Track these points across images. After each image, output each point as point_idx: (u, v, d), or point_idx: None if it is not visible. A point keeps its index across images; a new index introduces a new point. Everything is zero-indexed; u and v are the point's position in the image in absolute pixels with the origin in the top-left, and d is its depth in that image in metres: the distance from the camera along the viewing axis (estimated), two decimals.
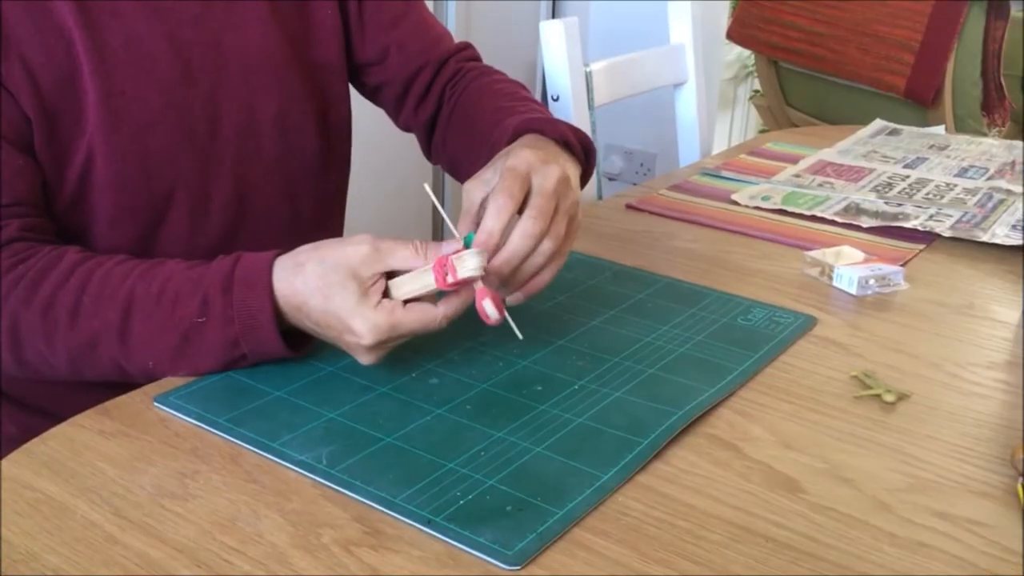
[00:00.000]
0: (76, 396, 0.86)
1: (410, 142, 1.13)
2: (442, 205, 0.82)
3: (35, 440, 0.67)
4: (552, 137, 0.85)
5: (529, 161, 0.76)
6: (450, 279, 0.70)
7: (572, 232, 0.79)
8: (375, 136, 1.32)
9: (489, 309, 0.70)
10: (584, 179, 0.90)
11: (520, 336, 0.75)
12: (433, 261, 0.71)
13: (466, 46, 1.10)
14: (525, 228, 0.74)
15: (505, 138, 0.87)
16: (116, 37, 0.81)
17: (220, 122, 0.88)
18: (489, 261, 0.72)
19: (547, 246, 0.75)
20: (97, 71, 0.80)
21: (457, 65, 1.07)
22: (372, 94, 1.09)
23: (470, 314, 0.76)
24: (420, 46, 1.05)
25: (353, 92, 1.05)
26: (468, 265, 0.70)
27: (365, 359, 0.73)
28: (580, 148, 0.88)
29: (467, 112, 1.02)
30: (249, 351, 0.74)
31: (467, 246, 0.73)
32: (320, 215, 1.02)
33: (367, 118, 1.14)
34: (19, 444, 0.88)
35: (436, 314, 0.72)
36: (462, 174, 1.03)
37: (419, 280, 0.72)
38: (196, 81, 0.86)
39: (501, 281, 0.75)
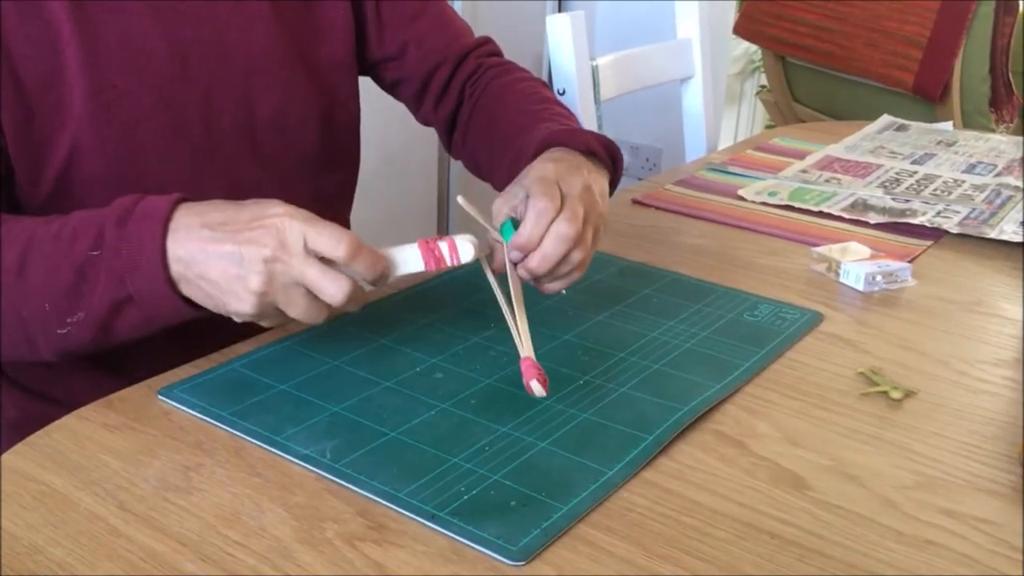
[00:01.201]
0: (76, 380, 0.86)
1: (414, 142, 1.13)
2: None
3: (39, 432, 0.67)
4: (577, 148, 0.85)
5: (555, 172, 0.77)
6: (450, 263, 0.72)
7: (595, 242, 0.79)
8: (380, 135, 1.32)
9: (536, 388, 0.68)
10: (612, 186, 0.90)
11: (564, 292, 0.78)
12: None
13: (486, 41, 1.09)
14: (559, 231, 0.73)
15: (530, 151, 0.87)
16: (111, 33, 0.80)
17: (216, 119, 0.87)
18: (523, 261, 0.74)
19: (577, 256, 0.75)
20: (87, 65, 0.79)
21: (477, 61, 1.06)
22: (391, 89, 1.09)
23: (474, 311, 0.76)
24: (439, 42, 1.04)
25: (360, 91, 1.05)
26: (465, 251, 0.71)
27: (258, 257, 0.66)
28: (606, 155, 0.88)
29: (488, 112, 1.01)
30: (135, 291, 0.69)
31: (505, 233, 0.74)
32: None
33: (371, 117, 1.14)
34: (19, 428, 0.88)
35: (352, 286, 0.68)
36: (483, 173, 1.04)
37: (400, 255, 0.72)
38: (193, 78, 0.85)
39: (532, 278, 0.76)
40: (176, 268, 0.68)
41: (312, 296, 0.68)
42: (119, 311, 0.70)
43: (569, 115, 0.98)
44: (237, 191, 0.90)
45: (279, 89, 0.91)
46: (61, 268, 0.69)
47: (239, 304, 0.68)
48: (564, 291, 0.81)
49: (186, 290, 0.69)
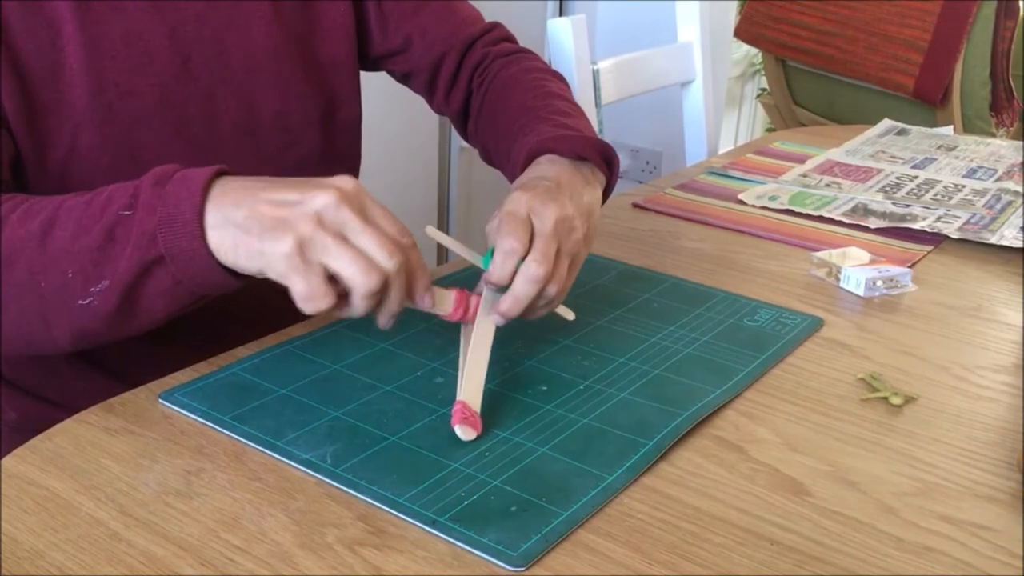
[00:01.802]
0: (76, 383, 0.86)
1: (415, 141, 1.14)
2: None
3: (40, 436, 0.67)
4: (566, 155, 0.84)
5: (528, 204, 0.75)
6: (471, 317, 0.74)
7: (573, 271, 0.77)
8: (380, 135, 1.32)
9: (460, 432, 0.67)
10: (608, 190, 0.89)
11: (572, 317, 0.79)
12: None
13: (494, 26, 1.08)
14: (528, 273, 0.72)
15: (520, 161, 0.86)
16: (114, 32, 0.81)
17: (218, 119, 0.88)
18: (495, 305, 0.74)
19: (552, 291, 0.74)
20: (90, 65, 0.79)
21: (484, 50, 1.05)
22: (403, 82, 1.10)
23: None
24: (443, 32, 1.04)
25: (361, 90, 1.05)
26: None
27: (320, 203, 0.63)
28: (600, 160, 0.86)
29: (493, 106, 1.01)
30: (167, 250, 0.65)
31: (487, 262, 0.74)
32: None
33: (371, 117, 1.14)
34: (18, 430, 0.88)
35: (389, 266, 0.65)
36: (494, 164, 1.03)
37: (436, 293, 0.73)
38: (194, 78, 0.86)
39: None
40: (213, 216, 0.65)
41: (362, 256, 0.63)
42: (148, 273, 0.66)
43: (571, 111, 0.95)
44: None
45: (280, 88, 0.92)
46: (90, 231, 0.66)
47: (277, 243, 0.62)
48: (571, 317, 0.80)
49: (217, 237, 0.65)
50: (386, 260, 0.64)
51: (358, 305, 0.65)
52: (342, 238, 0.63)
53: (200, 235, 0.65)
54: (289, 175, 0.94)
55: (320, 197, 0.63)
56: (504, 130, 0.97)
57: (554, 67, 1.35)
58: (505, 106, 0.99)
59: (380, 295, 0.65)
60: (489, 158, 1.05)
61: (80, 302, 0.67)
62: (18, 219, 0.69)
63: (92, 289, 0.67)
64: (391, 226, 0.66)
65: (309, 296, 0.63)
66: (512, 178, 0.86)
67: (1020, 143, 1.53)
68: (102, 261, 0.66)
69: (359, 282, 0.63)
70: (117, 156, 0.82)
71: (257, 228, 0.64)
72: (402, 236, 0.66)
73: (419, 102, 1.13)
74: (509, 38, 1.10)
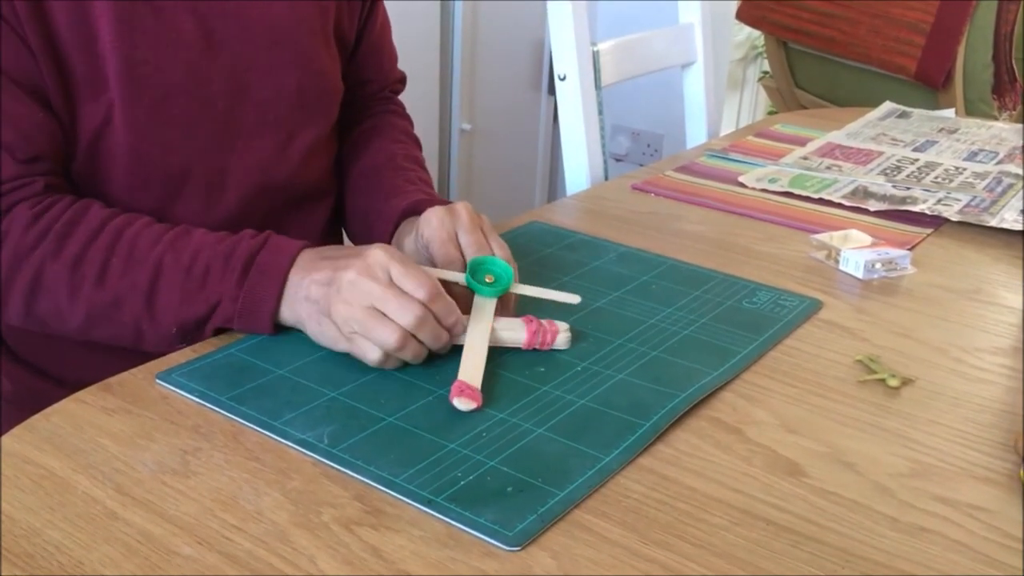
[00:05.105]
0: (75, 358, 0.86)
1: (416, 122, 1.13)
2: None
3: (38, 416, 0.67)
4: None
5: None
6: (538, 342, 0.77)
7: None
8: None
9: (459, 404, 0.69)
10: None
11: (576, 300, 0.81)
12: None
13: (403, 77, 1.14)
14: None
15: (399, 210, 0.93)
16: (145, 7, 0.80)
17: (240, 94, 0.87)
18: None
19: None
20: (122, 40, 0.79)
21: (391, 92, 1.11)
22: None
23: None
24: (378, 67, 1.08)
25: None
26: (561, 340, 0.78)
27: (344, 279, 0.73)
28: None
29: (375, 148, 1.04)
30: (241, 330, 0.78)
31: (469, 278, 0.79)
32: (328, 192, 1.02)
33: None
34: (14, 402, 0.88)
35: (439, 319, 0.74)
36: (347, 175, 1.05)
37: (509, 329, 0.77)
38: (219, 52, 0.85)
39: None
40: (284, 313, 0.77)
41: (386, 319, 0.72)
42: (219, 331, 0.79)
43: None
44: (260, 166, 0.90)
45: (302, 62, 0.91)
46: (196, 302, 0.77)
47: (325, 331, 0.75)
48: (575, 300, 0.82)
49: (285, 321, 0.78)
50: (404, 318, 0.71)
51: (404, 356, 0.73)
52: (369, 309, 0.72)
53: (269, 328, 0.78)
54: (311, 152, 0.94)
55: (347, 275, 0.73)
56: (381, 177, 1.00)
57: (554, 49, 1.35)
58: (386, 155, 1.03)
59: (413, 345, 0.73)
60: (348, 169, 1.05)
61: (180, 344, 0.79)
62: (120, 264, 0.77)
63: (188, 336, 0.78)
64: (411, 283, 0.73)
65: (362, 357, 0.73)
66: (383, 200, 0.96)
67: (1021, 126, 1.52)
68: (204, 326, 0.78)
69: (384, 341, 0.72)
70: (145, 133, 0.82)
71: (307, 317, 0.76)
72: (417, 290, 0.72)
73: (420, 85, 1.13)
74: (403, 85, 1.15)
